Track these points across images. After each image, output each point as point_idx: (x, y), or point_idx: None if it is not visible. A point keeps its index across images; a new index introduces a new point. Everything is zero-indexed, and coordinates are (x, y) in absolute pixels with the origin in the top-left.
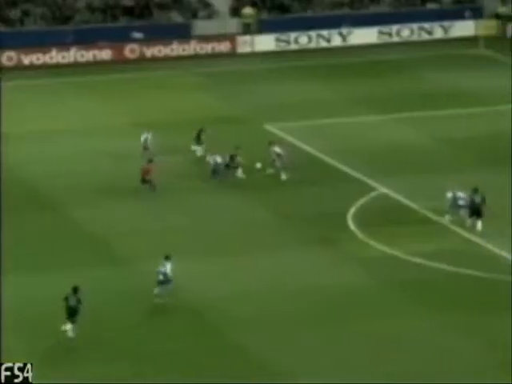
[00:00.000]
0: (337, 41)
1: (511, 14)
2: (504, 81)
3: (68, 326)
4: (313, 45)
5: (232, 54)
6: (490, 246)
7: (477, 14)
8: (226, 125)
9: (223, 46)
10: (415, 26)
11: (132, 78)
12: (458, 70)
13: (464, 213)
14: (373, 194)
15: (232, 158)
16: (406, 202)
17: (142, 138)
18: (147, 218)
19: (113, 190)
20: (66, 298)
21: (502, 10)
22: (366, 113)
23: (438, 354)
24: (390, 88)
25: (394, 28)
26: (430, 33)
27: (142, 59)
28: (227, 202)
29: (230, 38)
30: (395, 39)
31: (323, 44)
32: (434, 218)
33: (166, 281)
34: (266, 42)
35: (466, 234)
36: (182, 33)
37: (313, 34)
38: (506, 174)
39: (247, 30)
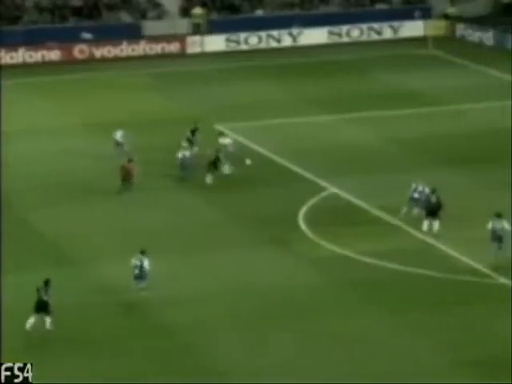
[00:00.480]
0: (287, 41)
1: (460, 15)
2: (453, 81)
3: (32, 320)
4: (263, 45)
5: (182, 55)
6: (441, 246)
7: (426, 14)
8: (177, 125)
9: (173, 47)
10: (365, 26)
11: (81, 79)
12: (408, 70)
13: (418, 211)
14: (323, 193)
15: (218, 158)
16: (357, 201)
17: (118, 135)
18: (109, 219)
19: (71, 190)
20: (38, 290)
21: (451, 10)
22: (316, 113)
23: (393, 354)
24: (340, 88)
25: (344, 28)
26: (379, 33)
27: (91, 60)
28: (183, 201)
29: (180, 38)
30: (345, 39)
31: (273, 44)
32: (385, 217)
33: (142, 275)
34: (215, 43)
35: (417, 234)
36: (132, 33)
37: (263, 34)
38: (458, 174)
39: (197, 30)
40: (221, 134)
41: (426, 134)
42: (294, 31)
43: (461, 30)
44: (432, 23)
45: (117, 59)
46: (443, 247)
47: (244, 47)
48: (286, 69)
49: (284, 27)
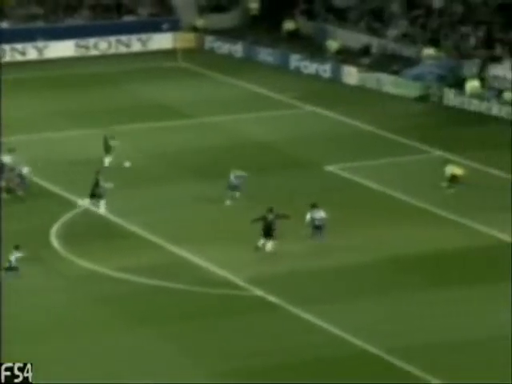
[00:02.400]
0: (32, 54)
1: (208, 27)
2: (204, 93)
3: None
4: (7, 58)
5: None
6: (198, 260)
7: (174, 26)
8: None
9: None
10: (113, 38)
11: None
12: (159, 83)
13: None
14: (77, 210)
15: (96, 183)
16: (112, 217)
17: None
18: None
19: None
20: None
21: (200, 22)
22: (68, 127)
23: (154, 368)
24: (92, 102)
25: (91, 41)
26: (127, 45)
27: None
28: None
29: None
30: (93, 52)
31: (18, 57)
32: (141, 232)
33: (11, 267)
34: None
35: (173, 249)
36: None
37: (7, 47)
38: (212, 187)
39: None
40: (10, 150)
41: (180, 147)
42: (39, 44)
43: (210, 42)
44: (181, 36)
45: None
46: (200, 261)
47: None
48: (34, 82)
49: (28, 40)
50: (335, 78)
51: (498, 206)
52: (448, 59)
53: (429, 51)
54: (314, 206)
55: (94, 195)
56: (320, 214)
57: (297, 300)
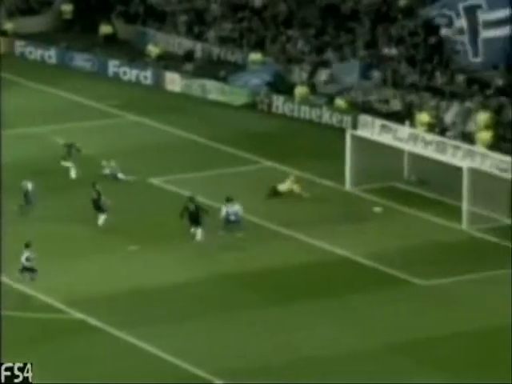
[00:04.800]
0: None
1: (18, 31)
2: (14, 102)
3: None
4: None
5: None
6: (12, 283)
7: None
8: None
9: None
10: None
11: None
12: None
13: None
14: None
15: (99, 195)
16: None
17: None
18: None
19: None
20: None
21: (8, 26)
22: None
23: None
24: None
25: None
26: None
27: None
28: None
29: None
30: None
31: None
32: None
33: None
34: None
35: None
36: None
37: None
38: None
39: None
40: None
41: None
42: None
43: (20, 47)
44: None
45: None
46: (15, 284)
47: None
48: None
49: None
50: (157, 85)
51: (331, 219)
52: (275, 64)
53: (255, 56)
54: (228, 200)
55: (99, 208)
56: (234, 209)
57: (120, 322)
